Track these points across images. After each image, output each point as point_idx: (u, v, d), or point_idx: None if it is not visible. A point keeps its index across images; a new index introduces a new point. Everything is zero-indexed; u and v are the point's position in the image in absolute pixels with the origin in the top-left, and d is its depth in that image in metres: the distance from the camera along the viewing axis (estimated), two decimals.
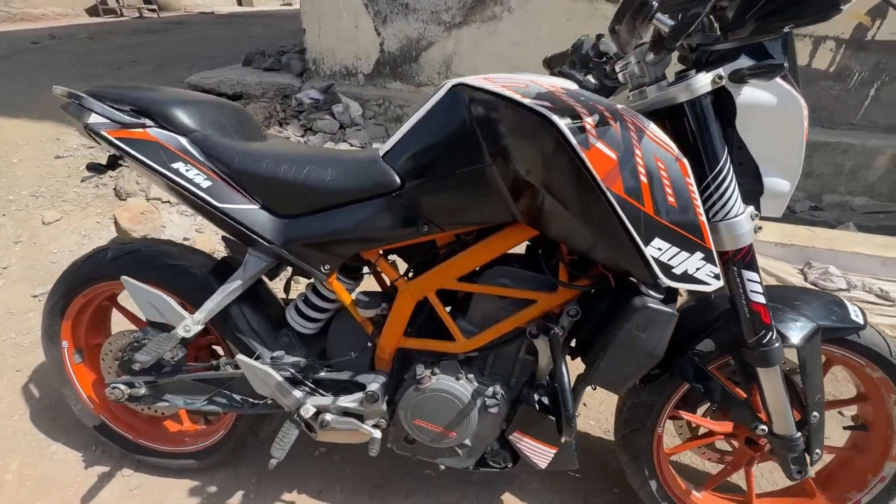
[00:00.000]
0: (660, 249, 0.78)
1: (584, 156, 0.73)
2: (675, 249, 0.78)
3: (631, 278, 0.91)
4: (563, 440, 0.92)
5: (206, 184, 0.96)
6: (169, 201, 3.18)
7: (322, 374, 1.12)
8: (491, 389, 1.06)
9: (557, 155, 0.75)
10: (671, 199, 0.77)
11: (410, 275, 1.07)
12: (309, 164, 0.98)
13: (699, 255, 0.79)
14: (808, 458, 1.01)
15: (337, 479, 1.41)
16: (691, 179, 0.76)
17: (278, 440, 1.02)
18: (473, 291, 1.01)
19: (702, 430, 1.26)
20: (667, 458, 1.19)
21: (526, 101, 0.76)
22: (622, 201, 0.75)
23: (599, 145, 0.74)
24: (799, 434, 0.98)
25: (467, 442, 1.10)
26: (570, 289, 0.94)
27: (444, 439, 1.08)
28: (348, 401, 1.07)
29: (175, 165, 0.96)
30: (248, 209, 0.98)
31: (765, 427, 0.99)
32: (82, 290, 1.23)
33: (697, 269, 0.79)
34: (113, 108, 0.97)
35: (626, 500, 1.35)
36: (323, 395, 1.09)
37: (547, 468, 1.12)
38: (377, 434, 1.07)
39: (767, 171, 0.82)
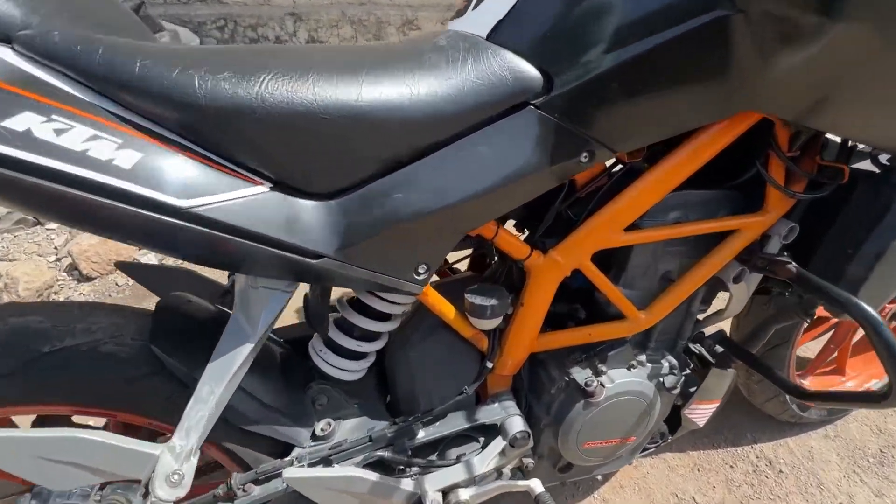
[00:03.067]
0: None
1: None
2: None
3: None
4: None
5: (118, 159, 0.38)
6: None
7: (421, 434, 0.68)
8: (665, 364, 0.76)
9: None
10: None
11: (540, 244, 0.66)
12: (358, 70, 0.46)
13: None
14: None
15: None
16: None
17: None
18: (648, 241, 0.65)
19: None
20: None
21: None
22: None
23: None
24: None
25: (638, 440, 0.82)
26: (791, 198, 0.64)
27: (618, 450, 0.78)
28: (487, 461, 0.68)
29: (33, 130, 0.34)
30: (246, 198, 0.43)
31: None
32: None
33: None
34: None
35: (735, 414, 1.28)
36: (442, 466, 0.67)
37: (705, 424, 0.91)
38: (538, 486, 0.71)
39: None
